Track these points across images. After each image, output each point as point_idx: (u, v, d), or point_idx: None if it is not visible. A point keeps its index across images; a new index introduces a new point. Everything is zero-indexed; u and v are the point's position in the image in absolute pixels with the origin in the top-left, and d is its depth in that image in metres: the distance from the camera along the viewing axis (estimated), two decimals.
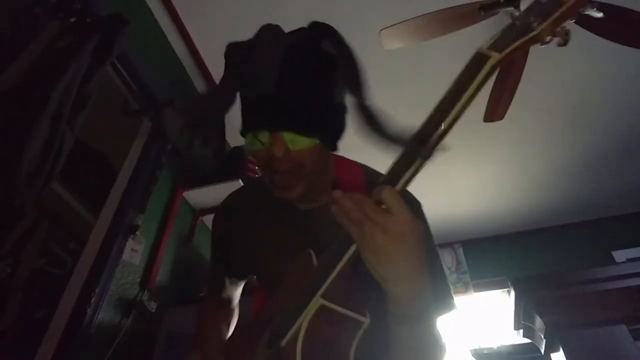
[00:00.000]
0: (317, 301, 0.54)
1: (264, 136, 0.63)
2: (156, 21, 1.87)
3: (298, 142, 0.62)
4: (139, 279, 1.61)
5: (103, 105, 1.52)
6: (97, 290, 1.35)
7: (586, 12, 1.35)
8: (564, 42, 0.45)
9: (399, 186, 0.49)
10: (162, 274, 1.76)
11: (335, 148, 0.69)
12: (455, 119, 0.48)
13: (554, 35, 0.44)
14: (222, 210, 0.91)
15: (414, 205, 0.74)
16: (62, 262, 2.24)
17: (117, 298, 1.48)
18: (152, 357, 1.57)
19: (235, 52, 0.66)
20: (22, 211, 1.01)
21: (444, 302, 0.69)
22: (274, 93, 0.61)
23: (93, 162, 2.32)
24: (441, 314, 0.68)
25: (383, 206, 0.48)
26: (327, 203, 0.64)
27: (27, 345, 1.44)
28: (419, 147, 0.50)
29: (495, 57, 0.46)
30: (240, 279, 0.94)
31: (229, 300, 0.92)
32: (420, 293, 0.50)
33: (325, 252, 0.56)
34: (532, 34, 0.44)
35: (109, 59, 1.27)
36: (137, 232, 1.58)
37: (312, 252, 0.63)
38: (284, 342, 0.57)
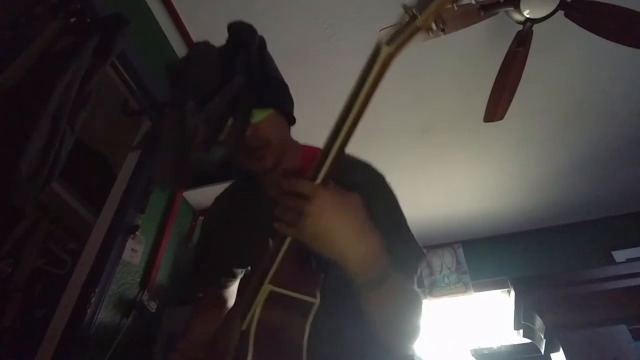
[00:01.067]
0: (266, 287, 0.57)
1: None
2: (156, 21, 1.87)
3: (257, 116, 0.70)
4: (139, 279, 1.62)
5: (103, 105, 1.52)
6: (97, 290, 1.35)
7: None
8: (443, 30, 0.47)
9: (320, 176, 0.53)
10: (162, 274, 1.76)
11: (288, 116, 0.78)
12: (361, 111, 0.51)
13: (437, 23, 0.47)
14: (210, 209, 0.96)
15: (365, 174, 0.77)
16: (62, 262, 2.24)
17: (117, 298, 1.48)
18: (152, 357, 1.57)
19: (175, 68, 0.74)
20: (22, 211, 1.01)
21: (410, 255, 0.71)
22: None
23: (93, 162, 2.31)
24: (411, 267, 0.70)
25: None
26: None
27: (27, 345, 1.44)
28: (331, 140, 0.53)
29: (386, 50, 0.49)
30: (230, 275, 0.92)
31: (222, 300, 0.91)
32: (372, 256, 0.54)
33: (272, 241, 0.59)
34: (415, 25, 0.47)
35: (109, 59, 1.27)
36: (137, 232, 1.58)
37: (270, 240, 0.64)
38: (244, 326, 0.58)
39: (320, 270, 0.59)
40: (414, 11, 0.47)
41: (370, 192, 0.68)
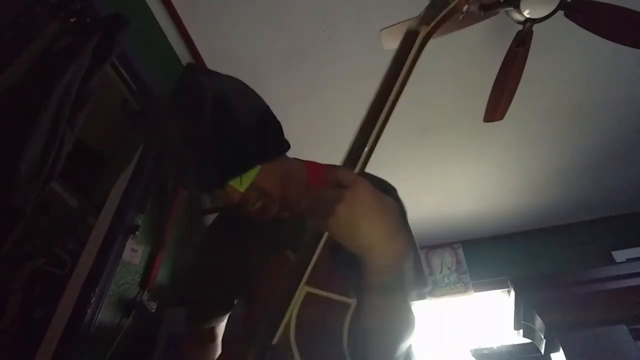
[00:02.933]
0: (303, 289, 0.54)
1: (219, 193, 0.69)
2: (156, 21, 1.87)
3: (244, 181, 0.67)
4: (139, 279, 1.61)
5: (103, 105, 1.52)
6: (97, 290, 1.35)
7: None
8: (476, 10, 0.51)
9: (357, 168, 0.51)
10: (162, 274, 1.76)
11: (280, 152, 0.74)
12: (398, 95, 0.52)
13: (468, 4, 0.52)
14: (209, 232, 0.92)
15: (386, 187, 0.76)
16: (62, 262, 2.24)
17: (117, 298, 1.47)
18: (152, 357, 1.57)
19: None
20: (22, 211, 1.01)
21: (419, 277, 0.71)
22: (193, 167, 0.67)
23: (93, 162, 2.31)
24: (416, 291, 0.69)
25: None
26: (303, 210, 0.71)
27: (27, 345, 1.43)
28: (369, 127, 0.51)
29: (424, 30, 0.51)
30: (227, 306, 0.90)
31: (215, 335, 0.89)
32: (400, 257, 0.51)
33: (300, 247, 0.56)
34: (452, 5, 0.51)
35: (109, 59, 1.27)
36: (137, 232, 1.58)
37: (288, 251, 0.64)
38: (275, 340, 0.55)
39: (353, 272, 0.56)
40: None
41: None
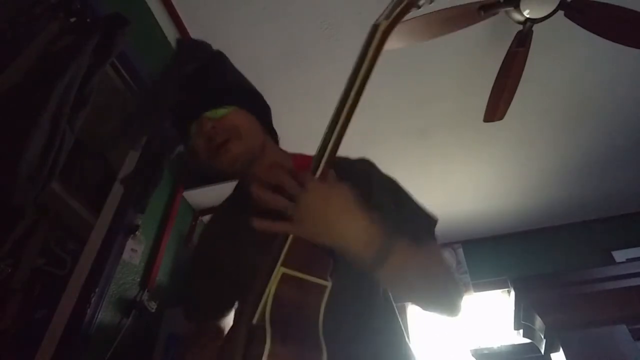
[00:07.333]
0: (279, 270, 0.57)
1: (193, 127, 0.75)
2: (156, 21, 1.87)
3: (218, 113, 0.74)
4: (139, 279, 1.62)
5: (103, 106, 1.52)
6: (97, 290, 1.35)
7: None
8: (430, 2, 0.57)
9: (319, 169, 0.56)
10: (162, 274, 1.76)
11: (259, 118, 0.80)
12: (361, 86, 0.55)
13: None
14: (206, 228, 0.94)
15: (357, 165, 0.79)
16: (62, 262, 2.24)
17: (117, 298, 1.48)
18: (152, 357, 1.57)
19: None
20: (22, 211, 1.01)
21: (420, 217, 0.73)
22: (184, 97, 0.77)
23: (93, 162, 2.31)
24: (424, 227, 0.71)
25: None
26: None
27: (27, 345, 1.44)
28: (332, 127, 0.56)
29: (384, 24, 0.56)
30: (230, 302, 0.89)
31: (219, 332, 0.88)
32: (369, 229, 0.56)
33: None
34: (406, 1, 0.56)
35: (109, 59, 1.27)
36: (137, 232, 1.58)
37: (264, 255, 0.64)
38: (255, 319, 0.57)
39: (329, 255, 0.59)
40: None
41: (369, 178, 0.71)
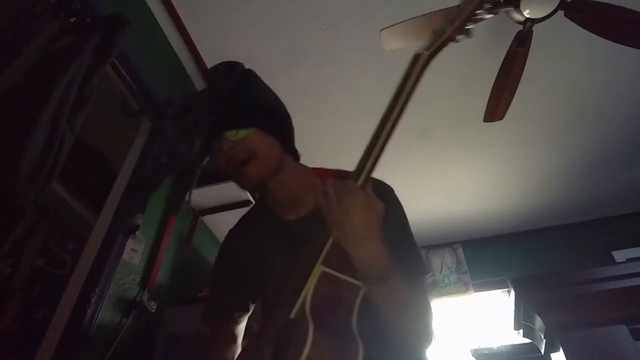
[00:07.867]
0: (319, 268, 0.63)
1: (215, 144, 0.79)
2: (156, 21, 1.87)
3: (238, 134, 0.77)
4: (139, 279, 1.61)
5: (103, 105, 1.52)
6: (97, 290, 1.35)
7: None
8: (469, 36, 0.67)
9: (361, 178, 0.62)
10: (162, 274, 1.76)
11: (280, 139, 0.82)
12: (402, 109, 0.66)
13: (464, 35, 0.68)
14: (227, 237, 0.97)
15: (385, 190, 0.83)
16: (62, 262, 2.24)
17: (117, 298, 1.47)
18: (152, 357, 1.57)
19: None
20: (22, 211, 1.01)
21: (417, 267, 0.78)
22: (208, 115, 0.81)
23: (93, 162, 2.31)
24: (417, 277, 0.75)
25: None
26: (310, 212, 0.80)
27: (27, 345, 1.44)
28: (375, 141, 0.65)
29: (425, 54, 0.67)
30: (244, 311, 0.92)
31: (235, 336, 0.90)
32: (376, 256, 0.61)
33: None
34: (446, 35, 0.67)
35: (109, 59, 1.27)
36: (137, 232, 1.58)
37: (304, 250, 0.68)
38: (293, 314, 0.62)
39: None
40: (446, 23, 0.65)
41: (388, 204, 0.72)
